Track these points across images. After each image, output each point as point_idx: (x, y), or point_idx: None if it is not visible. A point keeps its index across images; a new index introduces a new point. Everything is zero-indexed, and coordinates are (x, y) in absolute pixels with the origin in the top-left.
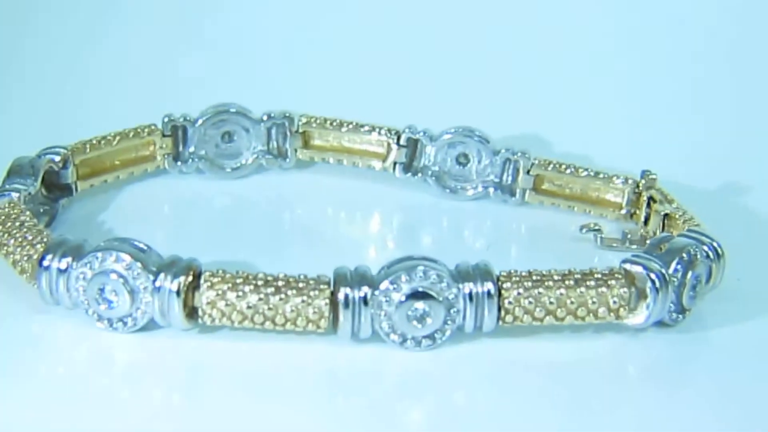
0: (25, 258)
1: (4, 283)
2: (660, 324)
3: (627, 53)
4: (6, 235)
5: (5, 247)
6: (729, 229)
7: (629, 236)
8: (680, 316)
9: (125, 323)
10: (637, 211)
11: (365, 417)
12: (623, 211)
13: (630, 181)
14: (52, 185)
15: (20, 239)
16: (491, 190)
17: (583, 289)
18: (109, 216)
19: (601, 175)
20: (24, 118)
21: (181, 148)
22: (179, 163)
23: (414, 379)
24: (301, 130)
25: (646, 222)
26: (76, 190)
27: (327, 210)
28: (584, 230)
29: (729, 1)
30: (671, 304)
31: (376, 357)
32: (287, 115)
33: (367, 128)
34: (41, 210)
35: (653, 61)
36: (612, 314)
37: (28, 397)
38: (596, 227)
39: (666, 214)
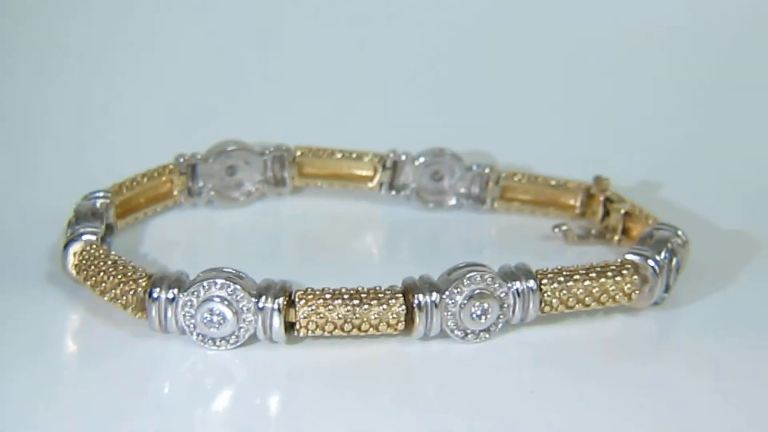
0: (130, 293)
1: (105, 317)
2: (653, 303)
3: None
4: (102, 274)
5: (102, 285)
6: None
7: (592, 232)
8: (666, 295)
9: (228, 341)
10: (589, 210)
11: (439, 396)
12: (577, 211)
13: (582, 186)
14: None
15: (120, 276)
16: (464, 201)
17: (603, 279)
18: (148, 249)
19: (554, 182)
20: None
21: (191, 184)
22: (192, 197)
23: (474, 363)
24: (297, 160)
25: (603, 219)
26: (116, 228)
27: (323, 228)
28: (556, 229)
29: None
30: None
31: (441, 349)
32: (284, 147)
33: (355, 155)
34: None
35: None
36: (626, 298)
37: (147, 410)
38: (565, 227)
39: (626, 212)
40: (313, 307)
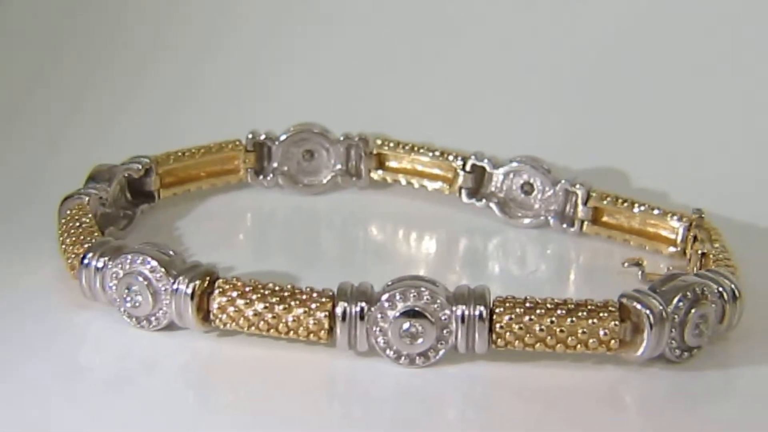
0: (74, 256)
1: (59, 279)
2: (667, 361)
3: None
4: (66, 234)
5: (63, 245)
6: None
7: (666, 271)
8: (685, 353)
9: (150, 322)
10: (687, 249)
11: (357, 427)
12: (678, 248)
13: (684, 219)
14: (137, 192)
15: (75, 238)
16: (551, 219)
17: (574, 319)
18: (184, 223)
19: (656, 212)
20: (122, 130)
21: (265, 164)
22: (261, 177)
23: (406, 394)
24: (375, 152)
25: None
26: (159, 197)
27: (394, 229)
28: (626, 264)
29: None
30: (672, 341)
31: (373, 370)
32: (363, 137)
33: (436, 153)
34: (121, 214)
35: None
36: (603, 346)
37: (57, 380)
38: (639, 262)
39: (703, 253)
40: (229, 298)
